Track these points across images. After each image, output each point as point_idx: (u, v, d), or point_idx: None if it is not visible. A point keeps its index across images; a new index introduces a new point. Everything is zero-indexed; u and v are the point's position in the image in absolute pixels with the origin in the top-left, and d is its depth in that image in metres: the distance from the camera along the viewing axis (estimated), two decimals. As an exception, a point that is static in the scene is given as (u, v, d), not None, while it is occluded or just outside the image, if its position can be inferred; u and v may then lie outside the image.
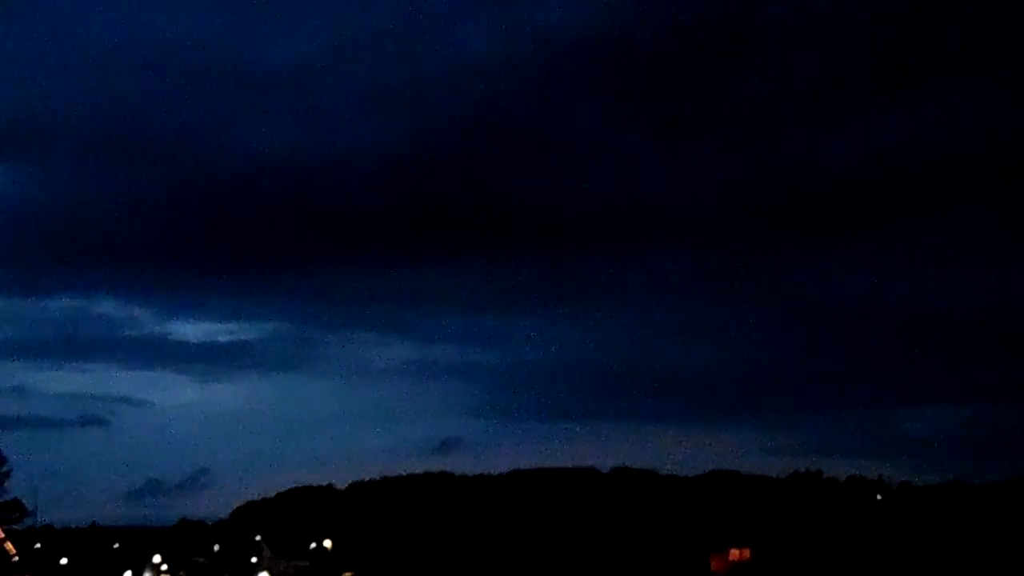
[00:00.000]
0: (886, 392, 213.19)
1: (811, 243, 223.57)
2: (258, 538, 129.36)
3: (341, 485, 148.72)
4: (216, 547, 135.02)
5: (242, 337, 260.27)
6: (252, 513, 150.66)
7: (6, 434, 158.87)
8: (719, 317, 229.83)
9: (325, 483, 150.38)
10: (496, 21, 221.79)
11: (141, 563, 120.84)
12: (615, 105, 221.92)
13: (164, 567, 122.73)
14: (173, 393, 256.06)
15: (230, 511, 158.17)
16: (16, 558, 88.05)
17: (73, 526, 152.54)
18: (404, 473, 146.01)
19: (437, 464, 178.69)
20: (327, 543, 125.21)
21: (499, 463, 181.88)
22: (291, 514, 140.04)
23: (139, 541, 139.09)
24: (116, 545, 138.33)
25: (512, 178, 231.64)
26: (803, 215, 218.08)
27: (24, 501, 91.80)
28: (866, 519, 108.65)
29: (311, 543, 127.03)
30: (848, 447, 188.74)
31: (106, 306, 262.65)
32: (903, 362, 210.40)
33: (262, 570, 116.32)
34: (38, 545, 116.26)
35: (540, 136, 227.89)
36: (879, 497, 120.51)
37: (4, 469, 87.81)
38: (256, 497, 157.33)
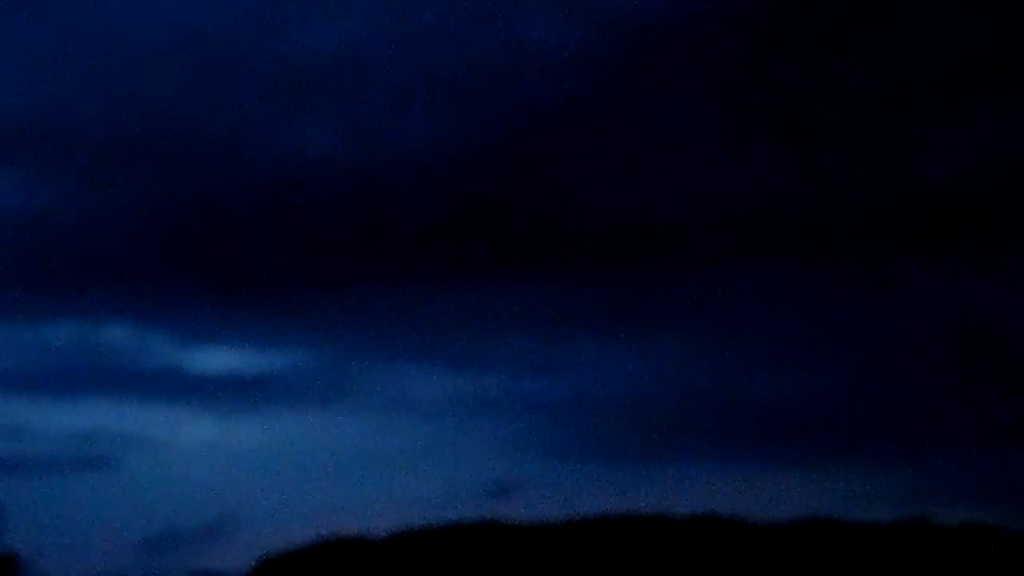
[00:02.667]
0: (1006, 427, 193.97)
1: (921, 256, 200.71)
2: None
3: (379, 535, 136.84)
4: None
5: (268, 368, 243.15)
6: (278, 567, 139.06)
7: (1, 479, 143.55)
8: (812, 342, 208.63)
9: (361, 532, 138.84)
10: (561, 5, 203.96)
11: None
12: (691, 104, 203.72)
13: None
14: (190, 431, 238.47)
15: (254, 564, 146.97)
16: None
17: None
18: (451, 521, 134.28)
19: (489, 511, 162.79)
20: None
21: (559, 509, 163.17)
22: (322, 568, 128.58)
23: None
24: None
25: (575, 184, 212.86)
26: (914, 223, 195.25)
27: (21, 554, 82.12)
28: (983, 572, 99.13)
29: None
30: (961, 490, 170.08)
31: (115, 333, 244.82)
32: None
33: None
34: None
35: (609, 137, 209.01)
36: (996, 547, 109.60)
37: (-2, 518, 76.75)
38: (283, 548, 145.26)
